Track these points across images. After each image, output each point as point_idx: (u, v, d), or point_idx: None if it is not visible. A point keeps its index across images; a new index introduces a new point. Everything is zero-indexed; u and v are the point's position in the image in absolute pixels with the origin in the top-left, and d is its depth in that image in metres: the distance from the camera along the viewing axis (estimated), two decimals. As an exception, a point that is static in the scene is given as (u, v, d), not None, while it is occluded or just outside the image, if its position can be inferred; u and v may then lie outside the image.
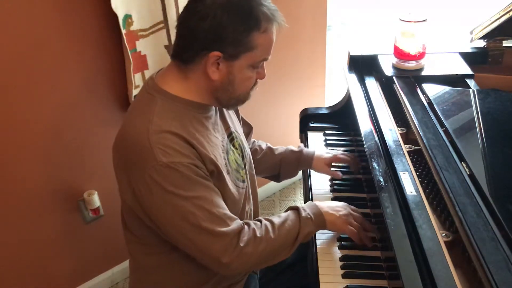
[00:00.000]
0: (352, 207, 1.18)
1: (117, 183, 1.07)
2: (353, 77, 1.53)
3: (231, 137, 1.17)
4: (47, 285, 1.79)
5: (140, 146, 0.97)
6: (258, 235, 1.04)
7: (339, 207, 1.16)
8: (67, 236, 1.77)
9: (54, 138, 1.58)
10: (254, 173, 1.29)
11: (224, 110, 1.20)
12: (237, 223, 1.03)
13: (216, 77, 1.02)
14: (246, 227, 1.05)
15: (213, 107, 1.13)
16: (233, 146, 1.17)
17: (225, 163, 1.09)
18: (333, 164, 1.41)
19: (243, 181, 1.17)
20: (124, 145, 1.03)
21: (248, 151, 1.26)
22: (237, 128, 1.24)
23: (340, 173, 1.39)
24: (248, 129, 1.40)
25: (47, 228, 1.70)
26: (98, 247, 1.88)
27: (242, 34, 0.97)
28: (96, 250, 1.88)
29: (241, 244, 1.01)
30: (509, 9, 1.38)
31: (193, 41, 1.00)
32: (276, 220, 1.09)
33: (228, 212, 1.04)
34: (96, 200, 1.73)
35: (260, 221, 1.09)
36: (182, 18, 1.02)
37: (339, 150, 1.48)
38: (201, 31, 0.98)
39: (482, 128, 1.12)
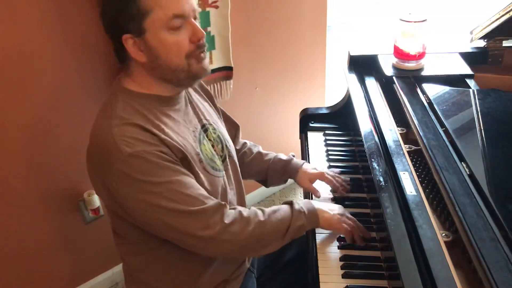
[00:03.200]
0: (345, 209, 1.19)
1: (94, 189, 1.07)
2: (353, 77, 1.53)
3: (204, 128, 1.17)
4: (47, 285, 1.79)
5: (104, 142, 0.98)
6: (245, 215, 1.05)
7: (333, 206, 1.17)
8: (67, 236, 1.77)
9: (54, 138, 1.58)
10: (237, 163, 1.28)
11: (198, 103, 1.20)
12: (215, 201, 1.03)
13: (144, 58, 1.02)
14: (231, 208, 1.05)
15: (182, 100, 1.13)
16: (207, 136, 1.17)
17: (197, 152, 1.09)
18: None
19: (219, 171, 1.16)
20: (91, 145, 1.03)
21: (230, 143, 1.25)
22: (214, 121, 1.23)
23: (320, 193, 1.33)
24: (234, 128, 1.39)
25: (47, 228, 1.70)
26: (98, 247, 1.88)
27: (129, 6, 0.96)
28: (96, 250, 1.88)
29: (226, 221, 1.01)
30: (509, 9, 1.38)
31: (111, 38, 1.03)
32: (268, 208, 1.10)
33: (204, 192, 1.03)
34: (96, 200, 1.73)
35: (249, 208, 1.10)
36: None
37: (334, 163, 1.45)
38: (106, 25, 1.01)
39: (482, 128, 1.12)
